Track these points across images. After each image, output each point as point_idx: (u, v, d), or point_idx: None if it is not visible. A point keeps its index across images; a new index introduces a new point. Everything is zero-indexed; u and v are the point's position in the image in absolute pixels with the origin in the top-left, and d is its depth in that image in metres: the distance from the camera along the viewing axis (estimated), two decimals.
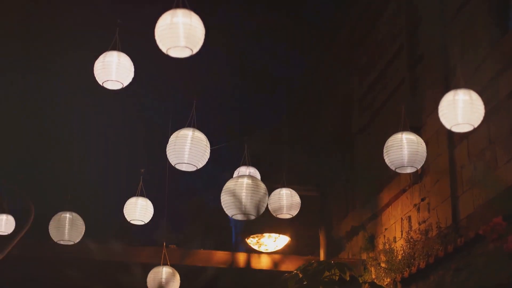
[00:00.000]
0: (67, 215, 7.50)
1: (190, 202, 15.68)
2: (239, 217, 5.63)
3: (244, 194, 5.53)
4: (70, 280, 9.64)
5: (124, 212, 7.65)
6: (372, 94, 10.15)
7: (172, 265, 8.08)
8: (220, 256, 9.73)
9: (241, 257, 9.80)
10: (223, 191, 5.63)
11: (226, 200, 5.58)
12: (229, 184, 5.63)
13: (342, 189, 10.89)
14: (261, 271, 9.71)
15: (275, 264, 9.86)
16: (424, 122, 8.29)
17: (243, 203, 5.51)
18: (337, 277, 7.68)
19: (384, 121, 9.55)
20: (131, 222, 7.66)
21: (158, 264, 7.99)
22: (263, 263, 9.79)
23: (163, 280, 8.05)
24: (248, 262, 9.75)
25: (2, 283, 8.83)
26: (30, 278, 9.71)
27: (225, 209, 5.61)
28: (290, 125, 13.55)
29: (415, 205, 8.41)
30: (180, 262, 8.91)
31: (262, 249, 10.30)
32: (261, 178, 7.02)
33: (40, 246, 9.06)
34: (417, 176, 8.36)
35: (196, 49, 4.84)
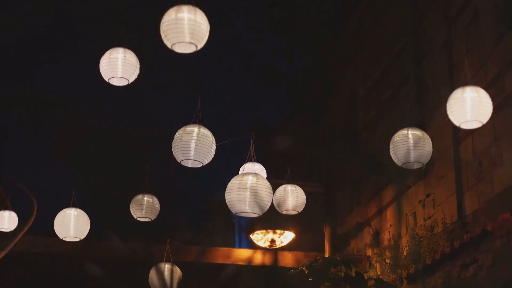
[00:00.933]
0: (72, 211, 7.40)
1: (193, 199, 15.68)
2: (243, 214, 5.62)
3: (248, 192, 5.50)
4: (74, 276, 9.64)
5: (131, 209, 7.59)
6: (377, 90, 10.13)
7: (186, 263, 8.06)
8: (239, 253, 9.77)
9: (258, 254, 9.82)
10: (227, 189, 5.61)
11: (230, 198, 5.56)
12: (234, 182, 5.60)
13: (347, 185, 10.87)
14: (263, 267, 9.73)
15: (279, 260, 9.86)
16: (429, 118, 8.26)
17: (247, 201, 5.49)
18: (342, 273, 7.69)
19: (389, 117, 9.53)
20: (138, 219, 7.60)
21: (167, 261, 7.96)
22: (267, 259, 9.79)
23: (165, 275, 8.03)
24: (251, 258, 9.76)
25: (6, 280, 8.83)
26: (34, 274, 9.71)
27: (230, 207, 5.59)
28: (295, 121, 13.53)
29: (420, 201, 8.39)
30: (198, 260, 8.91)
31: (266, 245, 10.28)
32: (267, 174, 7.01)
33: (44, 242, 9.06)
34: (422, 173, 8.34)
35: (200, 45, 4.82)
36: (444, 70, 8.07)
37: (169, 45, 4.76)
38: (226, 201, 5.56)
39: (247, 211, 5.52)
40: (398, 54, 9.44)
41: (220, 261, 9.48)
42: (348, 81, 11.32)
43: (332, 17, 11.54)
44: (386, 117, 9.65)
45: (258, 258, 9.79)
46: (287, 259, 9.78)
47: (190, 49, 4.80)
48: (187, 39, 4.69)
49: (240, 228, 16.11)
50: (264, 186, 5.56)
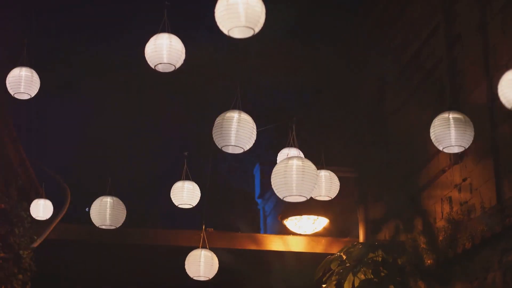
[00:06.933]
0: (108, 199, 7.44)
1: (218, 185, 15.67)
2: (290, 199, 5.58)
3: (295, 176, 5.46)
4: (109, 264, 9.66)
5: (171, 196, 7.58)
6: (407, 74, 10.03)
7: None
8: (272, 239, 9.78)
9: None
10: (273, 173, 5.57)
11: (276, 183, 5.52)
12: (279, 166, 5.56)
13: (379, 170, 10.79)
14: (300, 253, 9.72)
15: (312, 246, 9.84)
16: (464, 102, 8.17)
17: (294, 186, 5.45)
18: (380, 259, 7.67)
19: (420, 101, 9.44)
20: (179, 206, 7.61)
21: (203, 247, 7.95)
22: (301, 245, 9.78)
23: (202, 262, 8.02)
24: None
25: (41, 268, 8.87)
26: (69, 262, 9.74)
27: (276, 192, 5.55)
28: (324, 106, 13.46)
29: (456, 185, 8.31)
30: (231, 246, 8.93)
31: (300, 231, 10.25)
32: None
33: (79, 230, 9.09)
34: (457, 157, 8.25)
35: (257, 28, 4.74)
36: (479, 52, 7.97)
37: (225, 31, 4.69)
38: (272, 185, 5.53)
39: (294, 195, 5.48)
40: (429, 36, 9.33)
41: (254, 247, 9.48)
42: (375, 66, 11.21)
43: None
44: (417, 101, 9.56)
45: (292, 244, 9.77)
46: (321, 245, 9.75)
47: (247, 34, 4.72)
48: (243, 23, 4.61)
49: (264, 215, 16.09)
50: (310, 169, 5.52)
